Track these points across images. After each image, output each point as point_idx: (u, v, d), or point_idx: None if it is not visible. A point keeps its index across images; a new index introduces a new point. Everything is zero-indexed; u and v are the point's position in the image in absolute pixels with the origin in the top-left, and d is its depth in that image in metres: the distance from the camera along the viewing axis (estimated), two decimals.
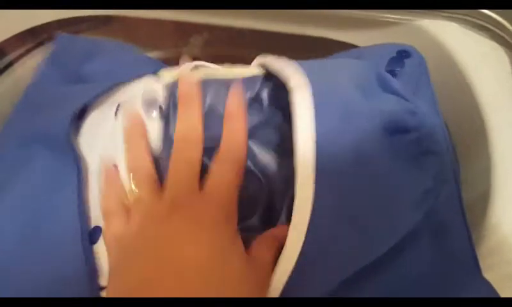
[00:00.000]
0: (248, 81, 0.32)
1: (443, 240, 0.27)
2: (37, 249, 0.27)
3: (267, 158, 0.31)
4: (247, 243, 0.27)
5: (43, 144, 0.30)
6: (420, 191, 0.26)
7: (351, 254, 0.25)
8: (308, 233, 0.24)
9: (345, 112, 0.26)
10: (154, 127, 0.30)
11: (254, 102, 0.31)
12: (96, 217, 0.28)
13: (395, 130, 0.27)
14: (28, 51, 0.43)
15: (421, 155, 0.27)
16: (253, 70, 0.33)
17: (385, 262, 0.26)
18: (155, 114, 0.31)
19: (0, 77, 0.41)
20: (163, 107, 0.31)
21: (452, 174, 0.29)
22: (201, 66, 0.35)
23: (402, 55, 0.35)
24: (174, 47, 0.52)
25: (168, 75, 0.33)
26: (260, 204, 0.29)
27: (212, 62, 0.36)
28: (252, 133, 0.30)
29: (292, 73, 0.27)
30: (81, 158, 0.30)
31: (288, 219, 0.25)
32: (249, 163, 0.30)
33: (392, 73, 0.34)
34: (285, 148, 0.26)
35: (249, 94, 0.31)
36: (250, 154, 0.31)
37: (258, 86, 0.31)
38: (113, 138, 0.30)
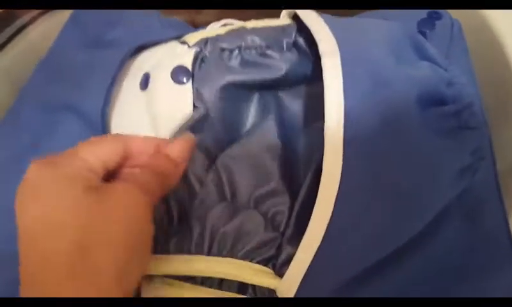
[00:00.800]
0: (283, 28, 0.31)
1: (477, 218, 0.26)
2: None
3: (295, 109, 0.29)
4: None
5: (71, 113, 0.30)
6: (457, 168, 0.25)
7: (379, 234, 0.24)
8: (336, 210, 0.23)
9: (377, 81, 0.24)
10: (186, 95, 0.29)
11: (292, 47, 0.30)
12: None
13: (431, 101, 0.25)
14: (42, 14, 0.42)
15: (459, 130, 0.26)
16: (283, 21, 0.31)
17: (415, 244, 0.24)
18: (185, 80, 0.29)
19: (13, 40, 0.40)
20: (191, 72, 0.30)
21: (490, 149, 0.27)
22: (228, 24, 0.33)
23: (433, 16, 0.33)
24: (187, 12, 0.49)
25: (194, 38, 0.31)
26: (280, 165, 0.28)
27: None
28: (284, 81, 0.29)
29: (323, 36, 0.26)
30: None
31: (312, 186, 0.24)
32: (272, 116, 0.29)
33: (422, 35, 0.32)
34: (316, 106, 0.25)
35: (286, 40, 0.30)
36: (278, 104, 0.29)
37: (294, 32, 0.30)
38: (140, 114, 0.30)
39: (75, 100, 0.30)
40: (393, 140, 0.24)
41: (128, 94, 0.31)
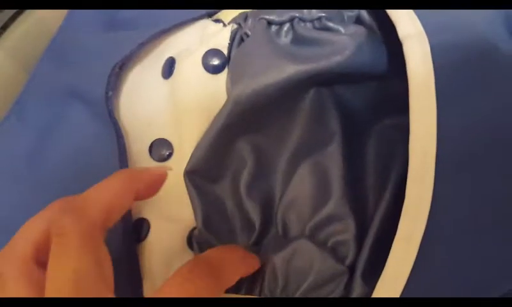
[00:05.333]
0: None
1: None
2: None
3: (358, 105, 0.24)
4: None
5: (78, 101, 0.26)
6: None
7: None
8: (428, 232, 0.18)
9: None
10: (220, 86, 0.24)
11: (356, 22, 0.23)
12: (139, 206, 0.23)
13: None
14: None
15: None
16: None
17: None
18: (219, 67, 0.24)
19: (20, 16, 0.35)
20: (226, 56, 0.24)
21: None
22: None
23: None
24: None
25: (230, 14, 0.26)
26: (341, 179, 0.22)
27: None
28: (348, 68, 0.22)
29: (401, 15, 0.20)
30: (121, 129, 0.24)
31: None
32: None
33: None
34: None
35: (347, 14, 0.23)
36: (336, 101, 0.23)
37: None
38: (159, 104, 0.25)
39: (82, 88, 0.26)
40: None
41: (146, 81, 0.26)
